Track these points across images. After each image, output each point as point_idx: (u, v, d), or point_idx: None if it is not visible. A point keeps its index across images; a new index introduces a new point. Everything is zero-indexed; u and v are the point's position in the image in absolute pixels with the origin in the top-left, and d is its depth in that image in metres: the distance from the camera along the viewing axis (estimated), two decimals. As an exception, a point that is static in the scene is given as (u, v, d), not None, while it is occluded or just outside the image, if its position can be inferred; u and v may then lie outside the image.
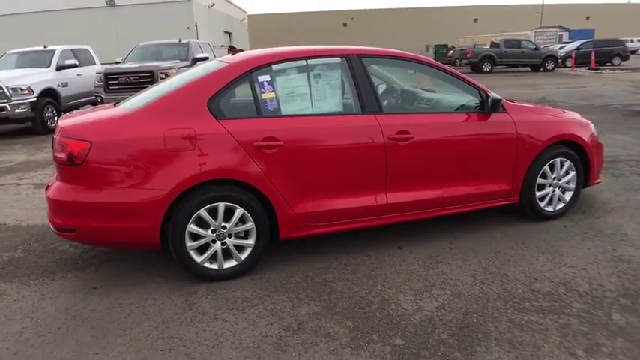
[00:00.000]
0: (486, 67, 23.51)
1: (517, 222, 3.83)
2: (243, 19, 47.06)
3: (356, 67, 3.22)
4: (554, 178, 3.79)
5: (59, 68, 10.06)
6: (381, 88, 4.02)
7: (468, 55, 24.41)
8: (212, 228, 2.93)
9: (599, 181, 4.16)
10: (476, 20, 52.37)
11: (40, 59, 10.09)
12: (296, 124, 3.05)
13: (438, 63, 3.62)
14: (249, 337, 2.45)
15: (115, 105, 3.21)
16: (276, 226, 3.06)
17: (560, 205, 3.88)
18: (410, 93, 4.11)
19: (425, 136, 3.29)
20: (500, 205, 3.72)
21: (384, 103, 3.50)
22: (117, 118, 2.99)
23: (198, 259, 2.96)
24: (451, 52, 31.93)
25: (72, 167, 2.79)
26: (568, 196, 3.89)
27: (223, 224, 2.95)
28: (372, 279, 3.02)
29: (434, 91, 4.05)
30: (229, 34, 40.65)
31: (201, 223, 2.91)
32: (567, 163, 3.79)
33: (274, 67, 3.10)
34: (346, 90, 3.24)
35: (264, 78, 3.03)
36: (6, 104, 8.65)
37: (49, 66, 9.90)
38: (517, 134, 3.55)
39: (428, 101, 3.82)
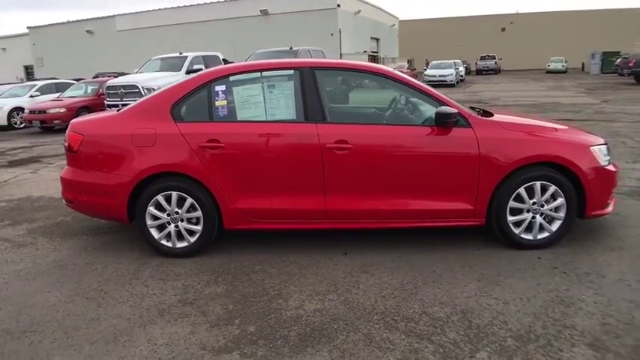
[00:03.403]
0: (654, 78, 19.81)
1: (488, 247, 3.58)
2: (393, 25, 47.50)
3: (306, 78, 3.45)
4: (534, 203, 3.44)
5: (188, 72, 11.88)
6: (389, 99, 4.11)
7: (630, 64, 20.83)
8: (167, 212, 3.51)
9: (607, 211, 3.59)
10: (665, 22, 43.80)
11: (175, 64, 12.10)
12: (238, 128, 3.44)
13: (398, 74, 3.58)
14: (150, 301, 2.95)
15: (118, 110, 4.00)
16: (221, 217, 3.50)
17: (544, 235, 3.49)
18: (406, 104, 4.07)
19: (366, 146, 3.36)
20: (462, 226, 3.54)
21: (336, 113, 3.61)
22: (106, 118, 3.79)
23: (156, 235, 3.57)
24: (619, 60, 27.49)
25: (71, 154, 3.65)
26: (555, 225, 3.49)
27: (176, 210, 3.50)
28: (290, 276, 3.25)
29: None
30: (377, 40, 41.58)
31: (160, 206, 3.51)
32: (552, 188, 3.40)
33: (231, 78, 3.53)
34: (297, 100, 3.49)
35: (220, 88, 3.49)
36: (140, 101, 10.66)
37: (180, 70, 11.81)
38: (479, 151, 3.35)
39: (391, 112, 3.81)
